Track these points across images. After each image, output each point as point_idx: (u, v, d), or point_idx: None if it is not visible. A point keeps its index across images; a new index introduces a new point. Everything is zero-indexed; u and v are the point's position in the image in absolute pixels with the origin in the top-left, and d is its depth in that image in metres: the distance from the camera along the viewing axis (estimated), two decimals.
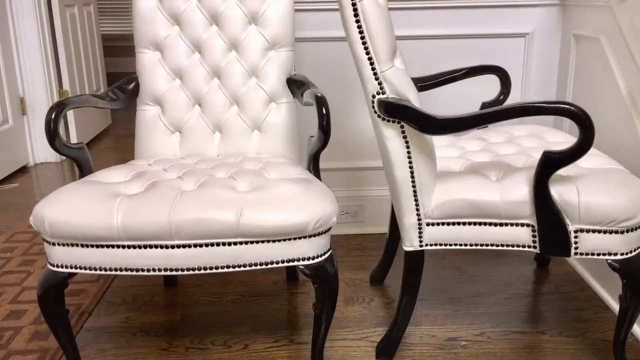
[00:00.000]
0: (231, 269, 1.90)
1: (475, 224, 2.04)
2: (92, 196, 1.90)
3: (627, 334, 2.07)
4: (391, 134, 1.99)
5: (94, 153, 5.15)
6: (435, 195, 2.04)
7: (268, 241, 1.87)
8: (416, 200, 2.05)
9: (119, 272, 1.90)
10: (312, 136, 2.18)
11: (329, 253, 1.97)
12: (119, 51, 8.86)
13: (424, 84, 2.60)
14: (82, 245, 1.87)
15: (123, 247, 1.86)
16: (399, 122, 1.96)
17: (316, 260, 1.93)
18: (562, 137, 2.41)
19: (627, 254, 1.96)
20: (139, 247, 1.85)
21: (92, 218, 1.83)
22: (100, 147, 5.41)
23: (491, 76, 2.64)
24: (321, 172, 2.26)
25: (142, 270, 1.89)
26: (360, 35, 1.89)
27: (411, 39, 3.06)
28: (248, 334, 2.43)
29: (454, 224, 2.06)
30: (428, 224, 2.07)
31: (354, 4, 1.86)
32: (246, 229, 1.83)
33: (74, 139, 5.07)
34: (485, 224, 2.03)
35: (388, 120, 1.97)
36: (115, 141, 5.61)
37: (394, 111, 1.93)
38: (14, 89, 4.70)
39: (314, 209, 1.87)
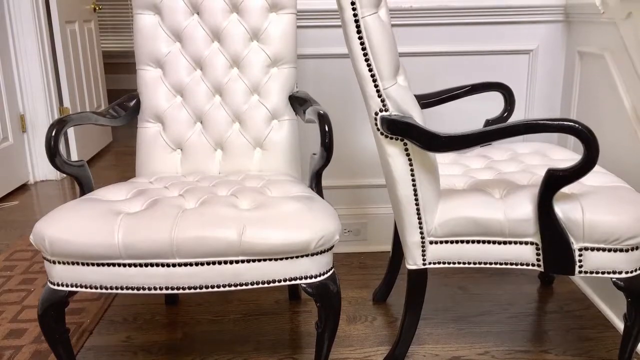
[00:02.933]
0: (233, 288, 1.88)
1: (478, 242, 2.03)
2: (93, 214, 1.89)
3: (632, 353, 2.05)
4: (394, 152, 1.98)
5: (95, 171, 5.14)
6: (438, 213, 2.03)
7: (270, 259, 1.86)
8: (419, 218, 2.04)
9: (119, 291, 1.88)
10: (314, 154, 2.17)
11: (331, 271, 1.95)
12: (119, 68, 8.87)
13: (427, 101, 2.59)
14: (83, 264, 1.85)
15: (124, 265, 1.84)
16: (402, 140, 1.95)
17: (318, 279, 1.91)
18: (567, 155, 2.40)
19: (631, 272, 1.95)
20: (140, 265, 1.84)
21: (92, 236, 1.81)
22: (101, 164, 5.41)
23: (495, 93, 2.64)
24: (323, 189, 2.25)
25: (143, 288, 1.87)
26: (363, 52, 1.88)
27: (414, 56, 3.05)
28: (250, 353, 2.41)
29: (457, 242, 2.05)
30: (431, 242, 2.06)
31: (356, 21, 1.85)
32: (248, 247, 1.81)
33: (74, 157, 5.07)
34: (489, 242, 2.02)
35: (391, 138, 1.96)
36: (116, 159, 5.61)
37: (397, 128, 1.92)
38: (14, 106, 4.70)
39: (316, 227, 1.85)
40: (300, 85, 3.04)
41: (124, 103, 2.51)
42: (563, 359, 2.35)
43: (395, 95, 1.92)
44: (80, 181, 2.18)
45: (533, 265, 2.00)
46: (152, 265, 1.84)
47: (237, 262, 1.84)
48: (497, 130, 1.85)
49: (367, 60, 1.89)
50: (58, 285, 1.90)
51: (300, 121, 2.49)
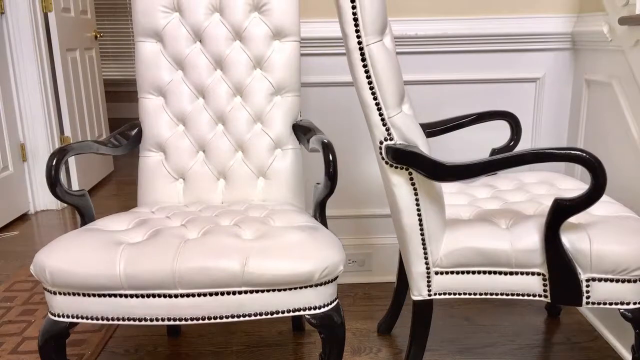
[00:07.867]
0: (236, 319, 1.86)
1: (485, 272, 2.01)
2: (94, 244, 1.87)
3: None
4: (399, 181, 1.96)
5: (96, 200, 5.13)
6: (444, 243, 2.01)
7: (273, 290, 1.83)
8: (425, 249, 2.02)
9: (121, 322, 1.86)
10: (318, 183, 2.15)
11: (335, 302, 1.93)
12: (121, 96, 8.89)
13: (432, 129, 2.58)
14: (84, 295, 1.83)
15: (126, 296, 1.82)
16: (407, 169, 1.94)
17: (322, 310, 1.89)
18: (574, 184, 2.38)
19: (639, 303, 1.92)
20: (142, 296, 1.82)
21: (94, 267, 1.79)
22: (102, 194, 5.39)
23: (501, 122, 2.62)
24: (328, 219, 2.23)
25: (145, 320, 1.85)
26: (367, 80, 1.87)
27: (420, 84, 3.04)
28: None
29: (463, 272, 2.03)
30: (437, 273, 2.04)
31: (361, 48, 1.84)
32: (251, 277, 1.79)
33: (75, 186, 5.06)
34: (495, 272, 2.00)
35: (396, 167, 1.95)
36: (118, 188, 5.60)
37: (402, 158, 1.91)
38: (15, 135, 4.69)
39: (320, 258, 1.83)
40: (304, 114, 3.02)
41: (125, 132, 2.50)
42: None
43: (400, 124, 1.91)
44: (81, 211, 2.17)
45: (540, 296, 1.98)
46: (154, 296, 1.82)
47: (240, 292, 1.82)
48: (503, 160, 1.83)
49: (371, 88, 1.88)
50: (59, 316, 1.88)
51: (303, 150, 2.48)
